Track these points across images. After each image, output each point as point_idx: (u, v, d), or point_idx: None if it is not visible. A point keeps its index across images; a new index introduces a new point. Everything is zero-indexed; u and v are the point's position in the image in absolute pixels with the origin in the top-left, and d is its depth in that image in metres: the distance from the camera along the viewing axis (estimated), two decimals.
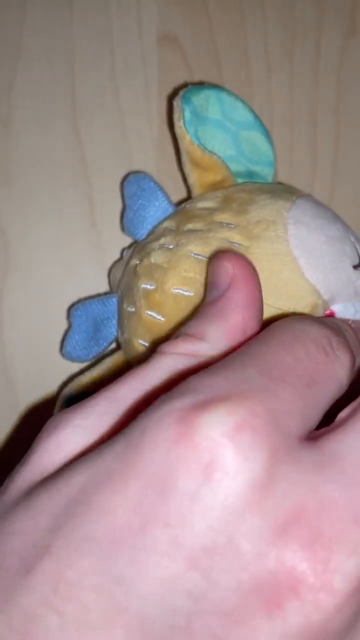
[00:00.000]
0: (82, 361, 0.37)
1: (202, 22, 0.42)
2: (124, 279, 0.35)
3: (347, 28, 0.43)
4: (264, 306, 0.30)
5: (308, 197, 0.35)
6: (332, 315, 0.32)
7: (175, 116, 0.35)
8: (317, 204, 0.35)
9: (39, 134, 0.41)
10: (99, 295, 0.38)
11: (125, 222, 0.38)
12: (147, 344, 0.33)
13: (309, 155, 0.43)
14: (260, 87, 0.42)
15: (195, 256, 0.32)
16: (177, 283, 0.32)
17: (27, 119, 0.40)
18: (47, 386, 0.41)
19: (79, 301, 0.38)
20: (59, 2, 0.40)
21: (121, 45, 0.41)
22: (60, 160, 0.41)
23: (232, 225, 0.32)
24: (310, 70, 0.43)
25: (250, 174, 0.37)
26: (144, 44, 0.41)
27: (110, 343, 0.36)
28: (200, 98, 0.35)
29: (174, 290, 0.32)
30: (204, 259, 0.31)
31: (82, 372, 0.36)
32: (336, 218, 0.34)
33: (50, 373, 0.41)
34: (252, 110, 0.37)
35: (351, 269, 0.32)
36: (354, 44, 0.43)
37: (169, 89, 0.41)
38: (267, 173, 0.37)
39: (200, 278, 0.31)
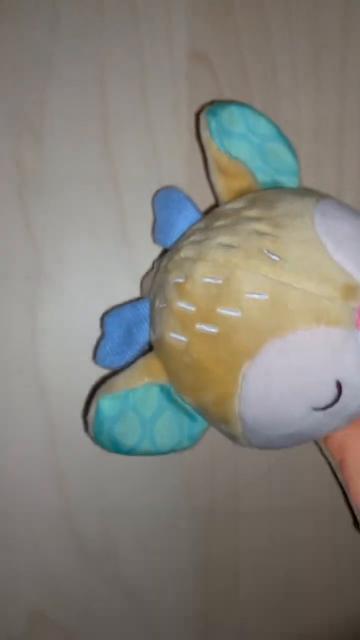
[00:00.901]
0: (115, 368, 0.38)
1: (231, 39, 0.43)
2: (155, 280, 0.36)
3: None
4: (294, 290, 0.31)
5: (333, 197, 0.36)
6: None
7: (202, 127, 0.36)
8: (343, 203, 0.35)
9: (71, 150, 0.42)
10: (131, 301, 0.39)
11: (155, 232, 0.39)
12: (178, 337, 0.33)
13: (335, 170, 0.44)
14: (287, 102, 0.43)
15: (224, 245, 0.32)
16: (206, 272, 0.32)
17: (59, 136, 0.42)
18: (80, 398, 0.41)
19: (112, 309, 0.39)
20: (90, 20, 0.41)
21: (151, 62, 0.42)
22: (92, 176, 0.42)
23: (259, 219, 0.33)
24: (337, 84, 0.43)
25: (276, 184, 0.38)
26: (174, 61, 0.42)
27: (144, 347, 0.37)
28: (225, 113, 0.37)
29: (204, 280, 0.32)
30: (232, 247, 0.32)
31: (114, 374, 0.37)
32: None
33: (83, 385, 0.42)
34: (275, 125, 0.38)
35: None
36: None
37: (198, 105, 0.42)
38: (292, 182, 0.38)
39: (229, 265, 0.32)
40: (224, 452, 0.43)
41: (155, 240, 0.39)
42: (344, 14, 0.43)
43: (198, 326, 0.33)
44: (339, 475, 0.38)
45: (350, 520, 0.41)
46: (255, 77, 0.43)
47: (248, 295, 0.32)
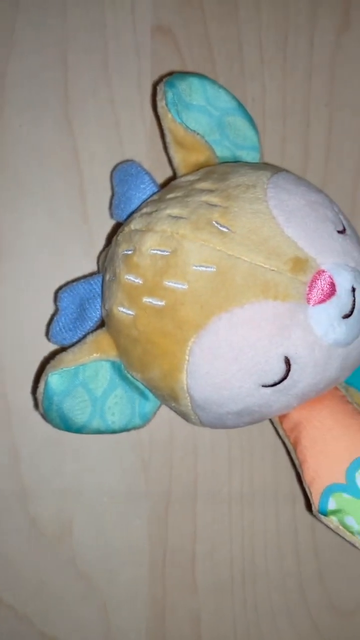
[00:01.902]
0: (69, 344, 0.37)
1: (196, 14, 0.42)
2: (108, 254, 0.35)
3: (341, 23, 0.43)
4: (242, 262, 0.30)
5: (292, 173, 0.35)
6: (322, 273, 0.31)
7: (158, 98, 0.36)
8: (300, 177, 0.35)
9: (32, 124, 0.41)
10: (85, 276, 0.38)
11: (112, 207, 0.38)
12: (126, 311, 0.32)
13: (301, 148, 0.43)
14: (253, 79, 0.43)
15: (173, 218, 0.31)
16: (154, 244, 0.32)
17: (19, 109, 0.41)
18: (34, 373, 0.41)
19: (66, 284, 0.38)
20: None
21: (115, 36, 0.41)
22: (52, 150, 0.41)
23: (211, 190, 0.32)
24: (304, 63, 0.43)
25: (235, 158, 0.37)
26: (137, 35, 0.42)
27: (97, 323, 0.36)
28: (184, 84, 0.36)
29: (152, 252, 0.32)
30: (181, 219, 0.31)
31: (64, 350, 0.36)
32: (319, 190, 0.34)
33: (38, 362, 0.41)
34: (235, 98, 0.37)
35: (335, 232, 0.32)
36: (347, 39, 0.43)
37: None
38: (252, 157, 0.38)
39: (176, 237, 0.31)
40: (183, 433, 0.42)
41: (112, 215, 0.39)
42: None
43: (145, 299, 0.32)
44: (294, 457, 0.37)
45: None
46: (220, 53, 0.42)
47: (195, 268, 0.31)
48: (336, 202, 0.41)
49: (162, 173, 0.41)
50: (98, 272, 0.39)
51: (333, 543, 0.36)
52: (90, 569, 0.42)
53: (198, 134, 0.36)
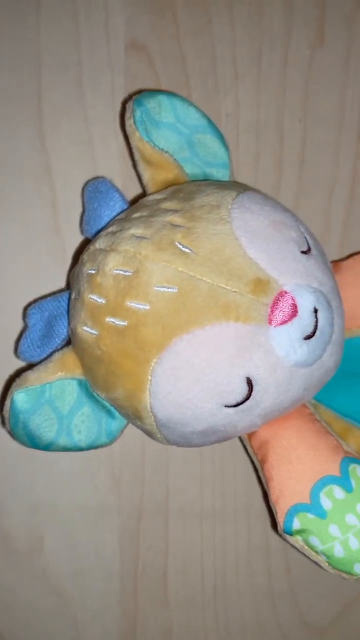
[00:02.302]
0: (37, 361, 0.37)
1: (169, 30, 0.42)
2: (74, 272, 0.36)
3: (315, 38, 0.43)
4: (203, 284, 0.30)
5: (260, 191, 0.35)
6: (284, 294, 0.31)
7: (126, 116, 0.36)
8: (267, 196, 0.35)
9: (5, 139, 0.41)
10: (53, 293, 0.38)
11: (83, 224, 0.38)
12: (89, 330, 0.32)
13: (274, 164, 0.43)
14: (227, 95, 0.43)
15: (137, 237, 0.32)
16: (117, 264, 0.32)
17: None
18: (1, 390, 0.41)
19: (34, 301, 0.38)
20: (27, 9, 0.41)
21: (89, 53, 0.42)
22: (26, 166, 0.41)
23: (175, 211, 0.32)
24: (277, 78, 0.43)
25: (205, 176, 0.37)
26: (111, 52, 0.42)
27: (65, 340, 0.36)
28: (153, 102, 0.36)
29: (114, 272, 0.32)
30: (144, 239, 0.31)
31: (30, 367, 0.36)
32: (285, 209, 0.34)
33: (9, 376, 0.41)
34: (205, 115, 0.37)
35: (299, 253, 0.32)
36: (321, 54, 0.43)
37: None
38: (222, 175, 0.38)
39: (139, 257, 0.31)
40: (155, 448, 0.42)
41: (82, 232, 0.39)
42: (285, 7, 0.43)
43: (108, 319, 0.32)
44: (261, 475, 0.37)
45: None
46: (194, 69, 0.42)
47: (157, 289, 0.31)
48: (310, 217, 0.41)
49: (135, 189, 0.41)
50: (68, 288, 0.39)
51: (305, 560, 0.35)
52: (61, 583, 0.42)
53: (166, 152, 0.36)
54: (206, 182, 0.36)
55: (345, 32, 0.43)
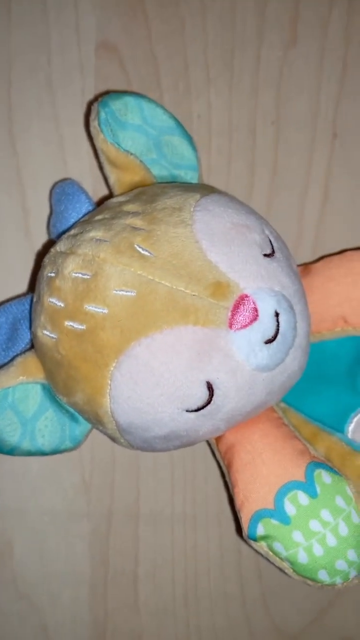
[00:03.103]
0: (1, 364, 0.37)
1: (141, 32, 0.42)
2: (37, 275, 0.35)
3: (288, 39, 0.43)
4: (162, 287, 0.29)
5: (226, 194, 0.35)
6: (244, 298, 0.31)
7: (91, 117, 0.35)
8: (233, 199, 0.35)
9: None
10: (19, 296, 0.38)
11: (50, 226, 0.38)
12: (49, 334, 0.32)
13: (247, 166, 0.43)
14: (199, 96, 0.42)
15: (96, 240, 0.31)
16: (76, 267, 0.31)
17: None
18: None
19: (1, 304, 0.38)
20: None
21: (59, 54, 0.41)
22: None
23: (137, 213, 0.32)
24: (250, 80, 0.42)
25: (173, 178, 0.37)
26: (82, 53, 0.41)
27: (29, 343, 0.36)
28: (119, 104, 0.36)
29: (73, 274, 0.31)
30: (103, 242, 0.31)
31: None
32: (251, 211, 0.34)
33: None
34: (173, 116, 0.37)
35: (261, 256, 0.32)
36: (293, 55, 0.43)
37: None
38: (190, 177, 0.37)
39: (97, 260, 0.31)
40: (125, 453, 0.42)
41: (49, 234, 0.39)
42: (258, 9, 0.42)
43: (66, 323, 0.32)
44: (227, 479, 0.36)
45: None
46: (166, 71, 0.42)
47: (115, 292, 0.31)
48: (283, 219, 0.41)
49: (105, 191, 0.41)
50: (32, 291, 0.39)
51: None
52: (30, 589, 0.42)
53: (132, 154, 0.36)
54: (172, 185, 0.35)
55: (318, 32, 0.43)
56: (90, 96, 0.42)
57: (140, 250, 0.31)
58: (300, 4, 0.43)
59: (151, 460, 0.42)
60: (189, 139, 0.37)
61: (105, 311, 0.31)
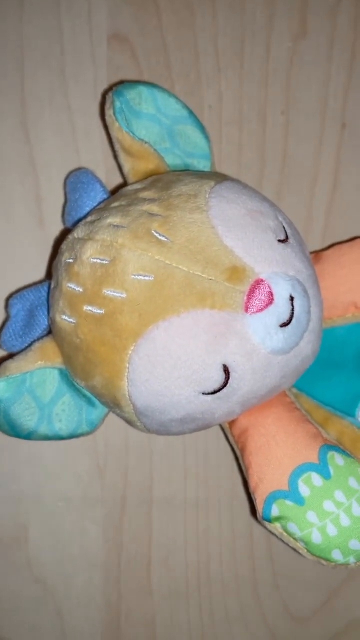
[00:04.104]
0: (19, 350, 0.37)
1: (152, 22, 0.42)
2: (54, 261, 0.36)
3: (297, 29, 0.43)
4: (179, 271, 0.30)
5: (239, 181, 0.35)
6: (260, 282, 0.31)
7: (106, 106, 0.36)
8: (246, 186, 0.35)
9: None
10: (35, 283, 0.39)
11: (65, 215, 0.39)
12: (68, 319, 0.33)
13: (257, 155, 0.43)
14: (209, 87, 0.43)
15: (114, 226, 0.32)
16: (94, 252, 0.32)
17: None
18: None
19: (17, 291, 0.38)
20: (10, 1, 0.41)
21: (71, 44, 0.42)
22: (9, 157, 0.42)
23: (153, 200, 0.33)
24: (260, 70, 0.43)
25: (186, 166, 0.38)
26: (93, 43, 0.42)
27: (46, 329, 0.37)
28: (133, 93, 0.36)
29: (92, 260, 0.32)
30: (121, 227, 0.31)
31: (11, 357, 0.36)
32: (264, 198, 0.35)
33: None
34: (186, 106, 0.37)
35: (275, 242, 0.32)
36: (303, 46, 0.43)
37: None
38: (203, 165, 0.38)
39: (115, 245, 0.31)
40: (138, 438, 0.42)
41: (64, 222, 0.39)
42: (268, 0, 0.43)
43: (85, 307, 0.32)
44: (241, 463, 0.37)
45: None
46: (177, 61, 0.43)
47: (133, 277, 0.31)
48: (293, 207, 0.41)
49: (117, 180, 0.41)
50: (49, 279, 0.39)
51: (288, 549, 0.36)
52: (45, 573, 0.42)
53: (146, 142, 0.36)
54: (186, 172, 0.36)
55: (328, 23, 0.43)
56: (102, 86, 0.42)
57: (157, 235, 0.31)
58: None
59: (164, 445, 0.43)
60: (202, 128, 0.38)
61: (124, 295, 0.31)
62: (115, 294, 0.31)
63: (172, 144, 0.37)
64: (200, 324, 0.31)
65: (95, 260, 0.32)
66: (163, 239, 0.31)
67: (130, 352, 0.32)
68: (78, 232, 0.34)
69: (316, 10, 0.43)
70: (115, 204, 0.34)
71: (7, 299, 0.38)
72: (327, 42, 0.43)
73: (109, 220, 0.33)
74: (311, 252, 0.40)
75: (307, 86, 0.43)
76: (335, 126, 0.43)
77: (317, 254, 0.40)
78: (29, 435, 0.36)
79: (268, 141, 0.43)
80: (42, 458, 0.42)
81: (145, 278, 0.31)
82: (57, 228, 0.41)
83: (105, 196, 0.37)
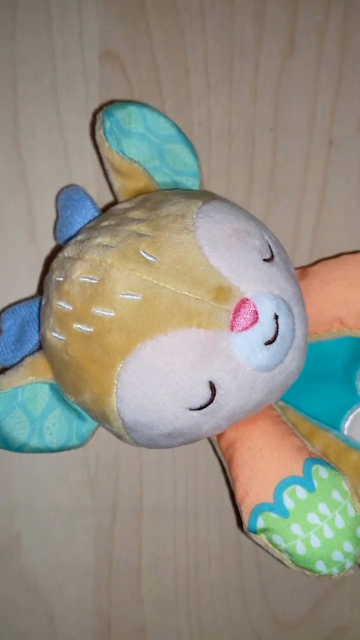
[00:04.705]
0: (11, 365, 0.38)
1: (143, 40, 0.43)
2: (45, 278, 0.37)
3: (285, 47, 0.44)
4: (167, 291, 0.31)
5: (226, 200, 0.36)
6: (245, 301, 0.32)
7: (97, 127, 0.37)
8: (234, 205, 0.36)
9: None
10: (27, 299, 0.39)
11: (56, 231, 0.39)
12: (58, 336, 0.33)
13: (246, 171, 0.44)
14: (199, 104, 0.43)
15: (103, 246, 0.33)
16: (84, 272, 0.33)
17: None
18: None
19: (9, 306, 0.39)
20: (2, 19, 0.42)
21: (63, 62, 0.42)
22: (2, 173, 0.42)
23: (141, 220, 0.33)
24: (249, 88, 0.44)
25: (175, 184, 0.38)
26: (85, 60, 0.43)
27: (37, 344, 0.37)
28: (123, 113, 0.37)
29: (81, 279, 0.33)
30: (110, 247, 0.32)
31: (3, 371, 0.37)
32: (250, 217, 0.35)
33: None
34: (175, 125, 0.38)
35: (261, 261, 0.33)
36: (291, 63, 0.44)
37: None
38: (192, 184, 0.39)
39: (104, 265, 0.32)
40: (128, 449, 0.43)
41: (56, 238, 0.40)
42: (257, 18, 0.44)
43: (75, 325, 0.33)
44: (228, 475, 0.38)
45: None
46: (167, 78, 0.43)
47: (121, 296, 0.32)
48: (280, 223, 0.42)
49: (108, 195, 0.42)
50: (40, 294, 0.40)
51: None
52: (37, 582, 0.43)
53: (136, 161, 0.37)
54: (174, 191, 0.37)
55: (315, 41, 0.44)
56: (94, 103, 0.43)
57: (145, 255, 0.32)
58: (298, 14, 0.44)
59: (154, 456, 0.43)
60: (191, 147, 0.39)
61: (112, 314, 0.32)
62: (104, 312, 0.32)
63: (161, 163, 0.38)
64: (187, 343, 0.32)
65: (84, 279, 0.33)
66: (151, 259, 0.32)
67: (118, 369, 0.32)
68: (68, 251, 0.34)
69: (304, 29, 0.44)
70: (105, 223, 0.35)
71: (0, 314, 0.39)
72: (315, 60, 0.44)
73: (99, 240, 0.33)
74: (298, 268, 0.41)
75: (295, 103, 0.44)
76: (322, 143, 0.44)
77: (303, 269, 0.40)
78: (20, 448, 0.36)
79: (257, 157, 0.44)
80: (34, 468, 0.43)
81: (134, 297, 0.32)
82: (48, 243, 0.42)
83: (96, 214, 0.38)
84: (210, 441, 0.40)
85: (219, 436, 0.38)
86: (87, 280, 0.33)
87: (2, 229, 0.42)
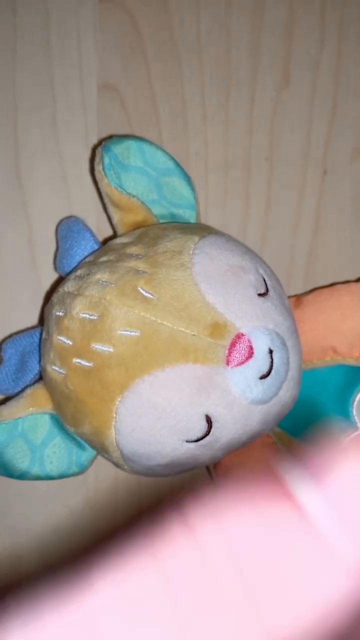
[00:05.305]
0: (12, 394, 0.39)
1: (141, 72, 0.44)
2: (45, 311, 0.37)
3: (281, 79, 0.45)
4: (164, 328, 0.32)
5: (222, 234, 0.37)
6: (240, 337, 0.33)
7: (96, 162, 0.38)
8: (229, 239, 0.37)
9: None
10: (28, 329, 0.40)
11: (56, 262, 0.40)
12: (58, 370, 0.34)
13: (242, 201, 0.45)
14: (196, 135, 0.44)
15: (102, 283, 0.33)
16: (83, 308, 0.34)
17: None
18: None
19: (10, 335, 0.40)
20: (3, 52, 0.42)
21: (62, 94, 0.43)
22: (2, 204, 0.43)
23: (140, 256, 0.34)
24: (245, 119, 0.45)
25: (173, 217, 0.39)
26: (84, 92, 0.43)
27: (37, 374, 0.38)
28: (121, 147, 0.38)
29: (81, 315, 0.34)
30: (109, 284, 0.33)
31: (3, 402, 0.38)
32: (246, 251, 0.36)
33: None
34: (172, 158, 0.39)
35: (256, 296, 0.34)
36: (287, 95, 0.45)
37: (108, 136, 0.43)
38: (189, 215, 0.39)
39: (103, 302, 0.33)
40: (127, 474, 0.44)
41: (56, 268, 0.41)
42: (252, 51, 0.45)
43: (75, 360, 0.34)
44: None
45: None
46: (164, 110, 0.44)
47: (120, 332, 0.33)
48: (275, 252, 0.43)
49: (108, 227, 0.43)
50: (41, 324, 0.41)
51: None
52: None
53: (134, 196, 0.38)
54: (172, 226, 0.38)
55: (310, 73, 0.45)
56: (93, 134, 0.44)
57: (143, 292, 0.33)
58: (293, 46, 0.45)
59: (152, 479, 0.44)
60: (188, 180, 0.40)
61: (111, 350, 0.33)
62: (103, 348, 0.33)
63: (159, 195, 0.39)
64: (184, 378, 0.33)
65: (84, 315, 0.34)
66: (149, 296, 0.33)
67: (117, 403, 0.33)
68: (68, 286, 0.35)
69: (299, 61, 0.45)
70: (104, 258, 0.36)
71: (0, 344, 0.40)
72: (309, 91, 0.45)
73: (98, 276, 0.34)
74: (293, 296, 0.42)
75: (290, 134, 0.45)
76: (316, 173, 0.45)
77: (298, 298, 0.41)
78: (21, 476, 0.37)
79: (252, 187, 0.45)
80: (35, 492, 0.44)
81: (132, 334, 0.33)
82: (49, 272, 0.43)
83: (95, 246, 0.39)
84: (207, 468, 0.41)
85: (216, 463, 0.39)
86: (87, 316, 0.34)
87: (3, 258, 0.43)
